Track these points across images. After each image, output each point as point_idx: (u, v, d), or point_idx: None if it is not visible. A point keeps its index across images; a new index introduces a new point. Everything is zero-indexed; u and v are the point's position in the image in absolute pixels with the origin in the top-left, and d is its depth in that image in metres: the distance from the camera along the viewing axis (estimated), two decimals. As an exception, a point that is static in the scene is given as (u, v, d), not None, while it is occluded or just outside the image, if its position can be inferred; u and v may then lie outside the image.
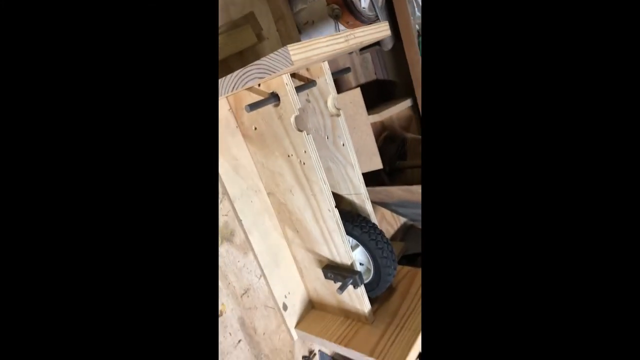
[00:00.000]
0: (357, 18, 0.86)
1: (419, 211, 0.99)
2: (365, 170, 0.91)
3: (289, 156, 0.59)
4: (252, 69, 0.46)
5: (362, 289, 0.64)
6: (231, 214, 0.66)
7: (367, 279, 0.70)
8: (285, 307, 0.73)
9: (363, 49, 1.03)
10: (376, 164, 0.91)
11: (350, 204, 0.71)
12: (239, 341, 0.67)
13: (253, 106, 0.52)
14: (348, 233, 0.65)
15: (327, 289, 0.71)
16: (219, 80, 0.51)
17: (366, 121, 0.89)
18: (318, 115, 0.64)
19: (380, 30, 0.54)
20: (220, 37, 0.70)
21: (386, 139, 1.07)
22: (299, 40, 0.89)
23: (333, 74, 0.61)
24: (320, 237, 0.64)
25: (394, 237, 1.23)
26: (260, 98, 0.55)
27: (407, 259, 1.10)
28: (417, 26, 0.86)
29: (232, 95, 0.62)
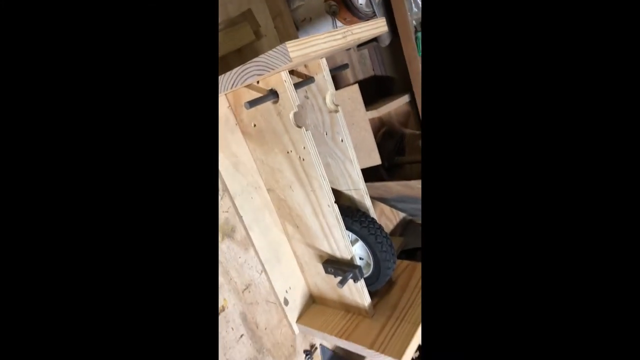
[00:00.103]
0: (355, 14, 0.86)
1: (418, 206, 1.00)
2: (364, 166, 0.92)
3: (288, 152, 0.59)
4: (250, 66, 0.47)
5: (362, 283, 0.65)
6: (232, 211, 0.67)
7: (367, 273, 0.70)
8: (286, 302, 0.74)
9: (360, 45, 1.03)
10: (375, 159, 0.91)
11: (350, 199, 0.72)
12: (241, 336, 0.67)
13: (252, 103, 0.52)
14: (347, 228, 0.66)
15: (327, 284, 0.71)
16: (218, 78, 0.51)
17: (364, 117, 0.89)
18: (317, 112, 0.65)
19: (378, 27, 0.54)
20: (219, 35, 0.70)
21: (384, 134, 1.08)
22: (296, 37, 0.89)
23: (331, 70, 0.61)
24: (320, 232, 0.65)
25: (393, 232, 1.24)
26: (259, 95, 0.55)
27: (406, 254, 1.11)
28: (414, 22, 0.86)
29: (231, 92, 0.62)
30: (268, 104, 0.56)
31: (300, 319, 0.76)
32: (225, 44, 0.72)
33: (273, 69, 0.44)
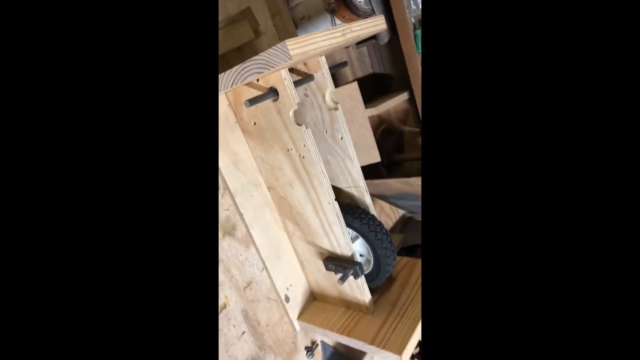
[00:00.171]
0: (353, 12, 0.86)
1: (417, 203, 1.00)
2: (364, 164, 0.92)
3: (288, 150, 0.60)
4: (250, 64, 0.47)
5: (362, 280, 0.65)
6: (232, 209, 0.67)
7: (367, 269, 0.71)
8: (287, 299, 0.74)
9: (359, 42, 1.04)
10: (374, 157, 0.91)
11: (350, 196, 0.72)
12: (243, 333, 0.68)
13: (252, 101, 0.52)
14: (348, 225, 0.66)
15: (328, 281, 0.72)
16: (219, 76, 0.52)
17: (364, 115, 0.90)
18: (316, 109, 0.65)
19: (377, 24, 0.54)
20: (218, 33, 0.70)
21: (384, 132, 1.08)
22: (295, 35, 0.89)
23: (330, 68, 0.61)
24: (320, 230, 0.65)
25: (392, 230, 1.25)
26: (259, 93, 0.56)
27: (406, 251, 1.11)
28: (412, 19, 0.87)
29: (230, 90, 0.62)
30: (268, 102, 0.57)
31: (301, 315, 0.76)
32: (225, 43, 0.72)
33: (273, 67, 0.45)
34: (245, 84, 0.57)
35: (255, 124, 0.63)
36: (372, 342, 0.62)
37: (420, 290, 0.70)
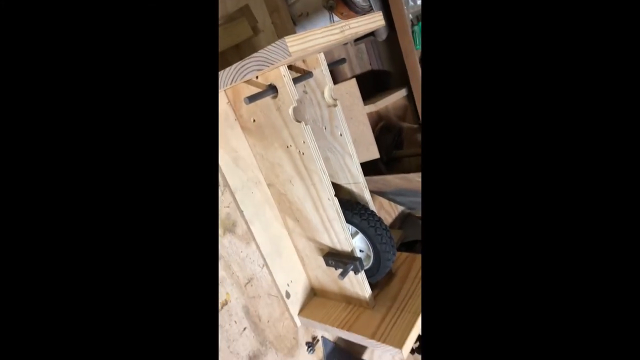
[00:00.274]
0: (351, 9, 0.86)
1: (416, 199, 1.01)
2: (363, 160, 0.92)
3: (288, 147, 0.60)
4: (250, 61, 0.47)
5: (362, 275, 0.66)
6: (233, 206, 0.67)
7: (367, 265, 0.71)
8: (288, 295, 0.75)
9: (358, 39, 1.04)
10: (373, 153, 0.92)
11: (349, 192, 0.72)
12: (244, 329, 0.68)
13: (252, 98, 0.53)
14: (348, 221, 0.67)
15: (328, 276, 0.72)
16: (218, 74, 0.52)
17: (362, 111, 0.90)
18: (315, 106, 0.65)
19: (375, 21, 0.54)
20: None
21: (382, 128, 1.08)
22: (293, 32, 0.89)
23: (329, 65, 0.62)
24: (320, 226, 0.65)
25: (392, 225, 1.25)
26: (258, 90, 0.56)
27: (405, 246, 1.12)
28: (410, 15, 0.87)
29: (230, 88, 0.63)
30: (267, 99, 0.57)
31: (301, 311, 0.77)
32: (224, 40, 0.73)
33: (272, 64, 0.45)
34: (244, 82, 0.57)
35: (254, 121, 0.63)
36: (372, 337, 0.62)
37: (419, 285, 0.70)
